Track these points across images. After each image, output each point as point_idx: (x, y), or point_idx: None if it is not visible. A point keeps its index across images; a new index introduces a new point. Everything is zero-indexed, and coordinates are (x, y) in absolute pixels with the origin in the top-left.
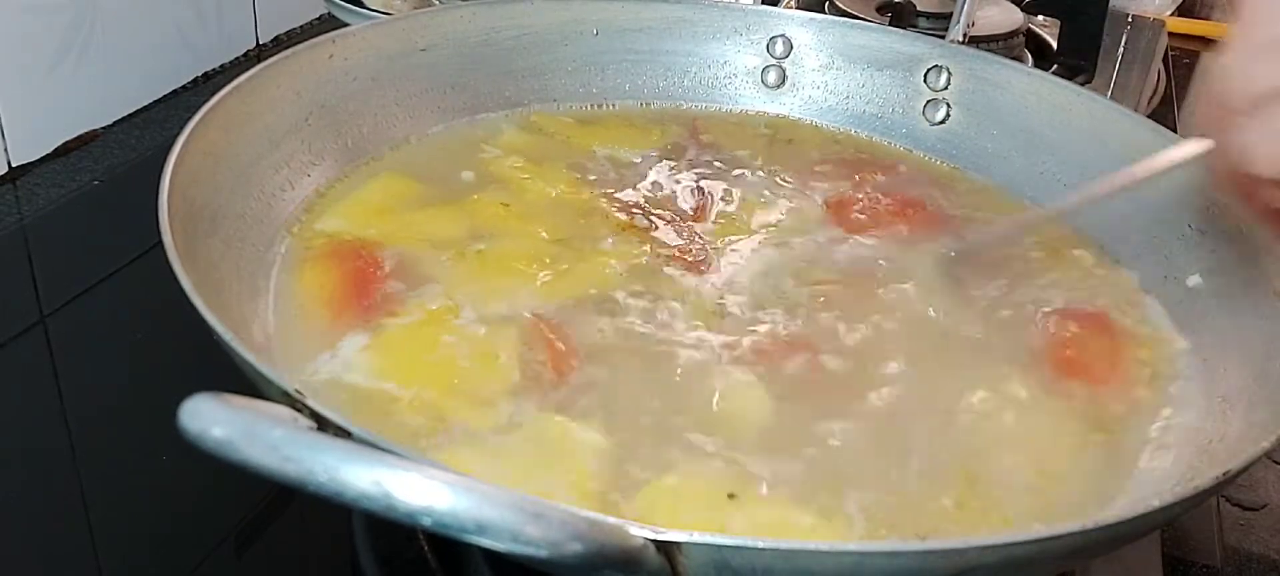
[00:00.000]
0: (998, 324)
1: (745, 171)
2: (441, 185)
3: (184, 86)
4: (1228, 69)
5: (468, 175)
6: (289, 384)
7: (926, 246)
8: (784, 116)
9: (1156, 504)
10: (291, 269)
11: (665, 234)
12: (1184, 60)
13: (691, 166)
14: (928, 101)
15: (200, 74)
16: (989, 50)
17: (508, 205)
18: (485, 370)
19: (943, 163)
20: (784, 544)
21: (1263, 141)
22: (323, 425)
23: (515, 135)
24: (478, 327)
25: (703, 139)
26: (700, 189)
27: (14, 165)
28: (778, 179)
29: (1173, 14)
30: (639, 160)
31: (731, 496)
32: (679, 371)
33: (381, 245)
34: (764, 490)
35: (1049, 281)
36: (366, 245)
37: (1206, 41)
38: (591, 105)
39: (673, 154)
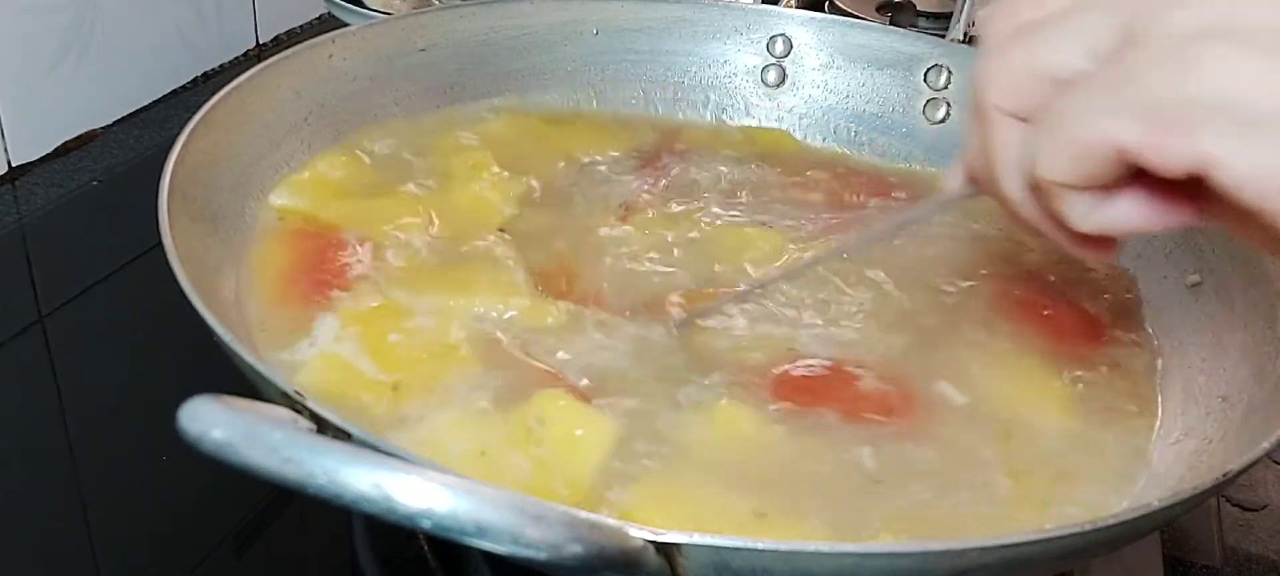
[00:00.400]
0: (989, 316)
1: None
2: (390, 172)
3: (184, 86)
4: (986, 73)
5: (419, 163)
6: (288, 385)
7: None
8: (771, 128)
9: (1156, 504)
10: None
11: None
12: None
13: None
14: (928, 100)
15: (200, 74)
16: None
17: (432, 212)
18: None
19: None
20: (784, 545)
21: (1044, 136)
22: (322, 427)
23: (494, 124)
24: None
25: (677, 147)
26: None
27: (13, 165)
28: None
29: None
30: (604, 168)
31: (760, 515)
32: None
33: (335, 227)
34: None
35: (1045, 275)
36: (317, 225)
37: None
38: (584, 104)
39: (636, 166)
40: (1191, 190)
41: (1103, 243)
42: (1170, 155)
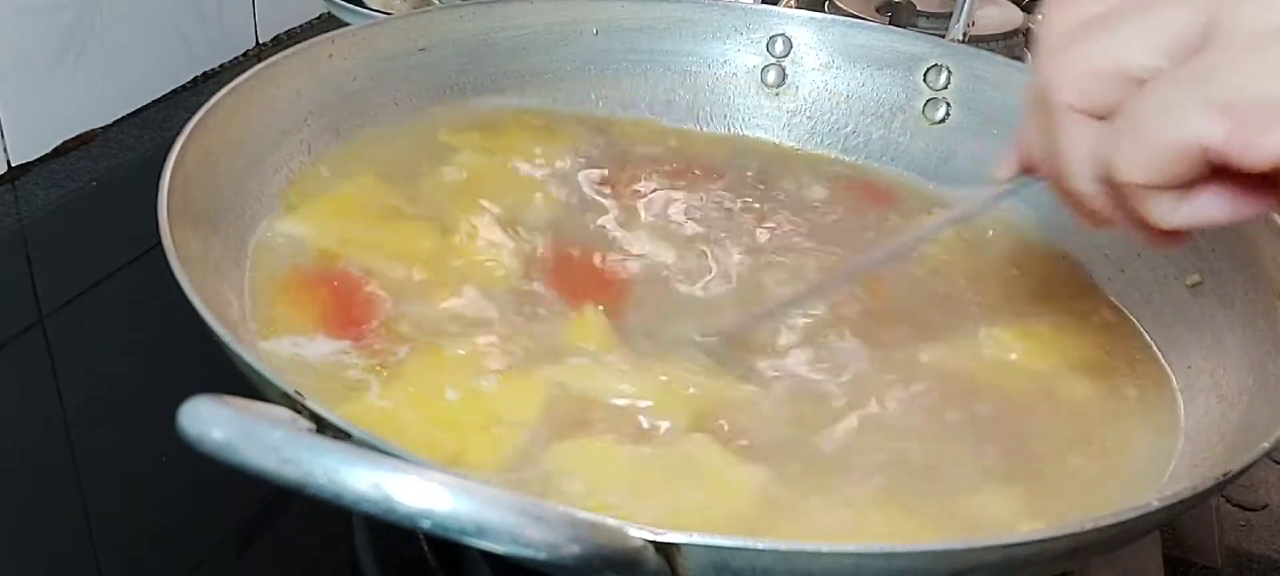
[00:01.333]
0: (983, 318)
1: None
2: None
3: (184, 86)
4: (1053, 70)
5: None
6: (288, 385)
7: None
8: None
9: (1156, 504)
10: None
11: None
12: None
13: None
14: (927, 100)
15: (200, 74)
16: (989, 50)
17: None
18: None
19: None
20: (783, 544)
21: (1123, 138)
22: (322, 427)
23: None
24: None
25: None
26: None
27: (13, 165)
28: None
29: None
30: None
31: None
32: None
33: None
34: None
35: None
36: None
37: None
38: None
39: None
40: (1274, 178)
41: (1176, 235)
42: (1258, 152)
